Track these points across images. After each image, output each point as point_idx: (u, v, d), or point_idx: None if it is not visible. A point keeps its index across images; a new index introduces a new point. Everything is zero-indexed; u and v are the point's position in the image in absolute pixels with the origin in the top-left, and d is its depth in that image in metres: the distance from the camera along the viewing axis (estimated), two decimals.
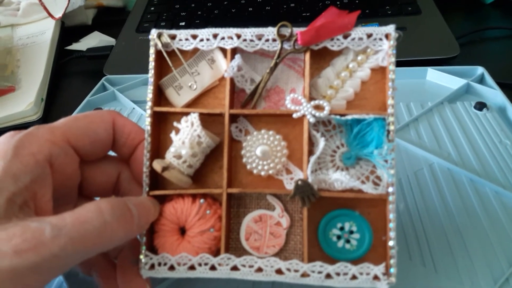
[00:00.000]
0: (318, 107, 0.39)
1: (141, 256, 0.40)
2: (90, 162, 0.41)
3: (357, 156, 0.40)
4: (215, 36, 0.41)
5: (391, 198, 0.38)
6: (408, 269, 0.45)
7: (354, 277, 0.37)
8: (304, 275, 0.38)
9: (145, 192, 0.41)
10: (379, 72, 0.41)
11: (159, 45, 0.42)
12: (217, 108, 0.42)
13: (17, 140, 0.34)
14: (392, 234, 0.37)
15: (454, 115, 0.65)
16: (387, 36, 0.39)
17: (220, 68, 0.43)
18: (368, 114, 0.39)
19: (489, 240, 0.47)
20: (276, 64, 0.41)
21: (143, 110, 0.72)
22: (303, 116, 0.40)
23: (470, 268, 0.44)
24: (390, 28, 0.39)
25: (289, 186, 0.41)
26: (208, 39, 0.42)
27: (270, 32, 0.41)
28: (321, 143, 0.39)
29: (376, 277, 0.37)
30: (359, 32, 0.40)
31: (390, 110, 0.38)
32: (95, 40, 1.04)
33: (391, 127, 0.38)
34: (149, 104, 0.41)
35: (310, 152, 0.40)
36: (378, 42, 0.40)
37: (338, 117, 0.39)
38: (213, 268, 0.39)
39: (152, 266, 0.40)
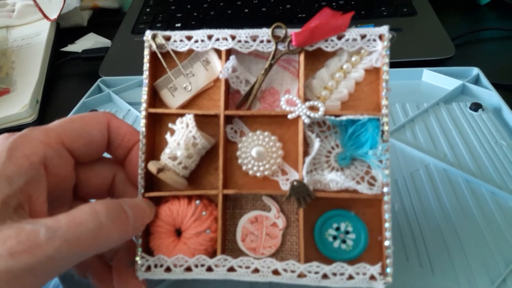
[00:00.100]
0: (312, 108, 0.39)
1: (137, 258, 0.40)
2: (85, 164, 0.41)
3: (352, 156, 0.40)
4: (209, 37, 0.41)
5: (386, 198, 0.38)
6: (405, 270, 0.45)
7: (350, 277, 0.38)
8: (300, 275, 0.38)
9: (141, 194, 0.41)
10: (373, 73, 0.41)
11: (154, 46, 0.42)
12: (212, 109, 0.42)
13: (11, 142, 0.34)
14: (387, 234, 0.38)
15: (450, 116, 0.65)
16: (380, 37, 0.39)
17: (215, 70, 0.43)
18: (362, 114, 0.39)
19: (486, 240, 0.47)
20: (270, 65, 0.41)
21: (139, 112, 0.71)
22: (298, 117, 0.40)
23: (467, 269, 0.44)
24: (384, 29, 0.39)
25: (285, 187, 0.41)
26: (202, 40, 0.42)
27: (264, 33, 0.41)
28: (316, 144, 0.39)
29: (372, 277, 0.38)
30: (353, 33, 0.40)
31: (384, 111, 0.39)
32: (90, 41, 1.04)
33: (385, 128, 0.38)
34: (144, 105, 0.41)
35: (305, 153, 0.40)
36: (372, 43, 0.40)
37: (332, 117, 0.39)
38: (209, 269, 0.39)
39: (148, 268, 0.39)
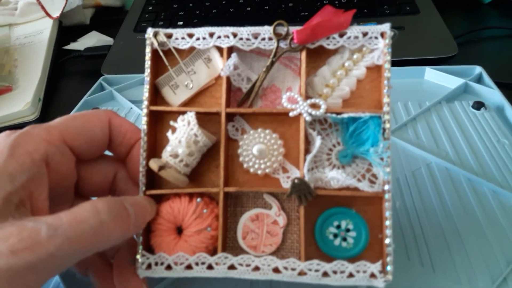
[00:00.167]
0: (314, 106, 0.39)
1: (138, 256, 0.40)
2: (87, 161, 0.41)
3: (353, 154, 0.40)
4: (211, 35, 0.41)
5: (387, 196, 0.38)
6: (406, 269, 0.45)
7: (351, 275, 0.38)
8: (301, 273, 0.38)
9: (142, 192, 0.41)
10: (375, 70, 0.41)
11: (155, 44, 0.42)
12: (214, 107, 0.42)
13: (13, 139, 0.34)
14: (388, 232, 0.37)
15: (452, 114, 0.65)
16: (382, 34, 0.39)
17: (216, 67, 0.43)
18: (364, 112, 0.39)
19: (487, 239, 0.47)
20: (272, 63, 0.41)
21: (141, 110, 0.72)
22: (300, 114, 0.40)
23: (468, 268, 0.44)
24: (386, 27, 0.39)
25: (286, 184, 0.41)
26: (204, 38, 0.42)
27: (266, 30, 0.41)
28: (317, 141, 0.39)
29: (373, 275, 0.37)
30: (355, 30, 0.40)
31: (385, 108, 0.38)
32: (93, 39, 1.04)
33: (387, 125, 0.38)
34: (145, 103, 0.41)
35: (307, 151, 0.40)
36: (374, 41, 0.40)
37: (334, 115, 0.39)
38: (210, 267, 0.39)
39: (149, 266, 0.39)
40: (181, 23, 0.97)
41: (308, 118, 0.39)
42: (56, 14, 1.01)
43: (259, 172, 0.41)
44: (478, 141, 0.60)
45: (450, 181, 0.54)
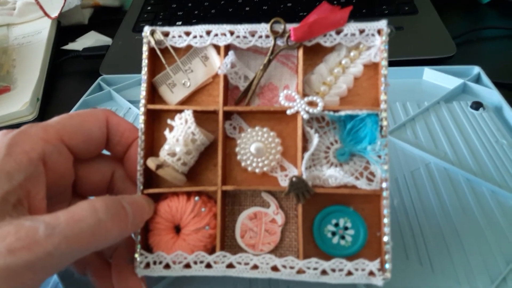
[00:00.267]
0: (311, 104, 0.39)
1: (136, 255, 0.40)
2: (84, 160, 0.41)
3: (351, 152, 0.40)
4: (208, 33, 0.41)
5: (385, 193, 0.38)
6: (405, 268, 0.44)
7: (349, 273, 0.38)
8: (299, 271, 0.38)
9: (140, 191, 0.41)
10: (372, 68, 0.41)
11: (152, 42, 0.42)
12: (211, 105, 0.42)
13: (10, 138, 0.34)
14: (386, 229, 0.37)
15: (451, 114, 0.65)
16: (379, 31, 0.39)
17: (213, 65, 0.42)
18: (361, 110, 0.39)
19: (486, 239, 0.47)
20: (269, 61, 0.41)
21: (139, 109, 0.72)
22: (297, 112, 0.40)
23: (467, 267, 0.44)
24: (382, 24, 0.39)
25: (284, 183, 0.41)
26: (201, 36, 0.42)
27: (263, 28, 0.40)
28: (315, 139, 0.39)
29: (371, 273, 0.38)
30: (352, 28, 0.39)
31: (383, 106, 0.38)
32: (91, 39, 1.04)
33: (384, 123, 0.38)
34: (143, 101, 0.41)
35: (304, 149, 0.40)
36: (371, 38, 0.40)
37: (331, 113, 0.39)
38: (208, 266, 0.39)
39: (147, 265, 0.40)
40: (179, 23, 0.97)
41: (305, 116, 0.39)
42: (54, 14, 1.01)
43: (257, 170, 0.41)
44: (476, 141, 0.60)
45: (449, 181, 0.54)
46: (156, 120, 0.43)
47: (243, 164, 0.41)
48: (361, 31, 0.40)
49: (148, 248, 0.41)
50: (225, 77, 0.42)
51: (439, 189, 0.53)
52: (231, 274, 0.38)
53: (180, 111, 0.40)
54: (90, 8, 1.15)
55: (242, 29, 0.41)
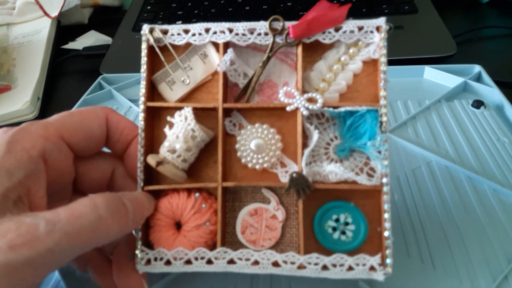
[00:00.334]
0: (311, 100, 0.40)
1: (137, 251, 0.40)
2: (84, 158, 0.41)
3: (351, 148, 0.40)
4: (207, 30, 0.42)
5: (385, 188, 0.38)
6: (406, 266, 0.44)
7: (350, 268, 0.38)
8: (300, 267, 0.38)
9: (140, 187, 0.41)
10: (371, 64, 0.41)
11: (151, 40, 0.42)
12: (211, 102, 0.42)
13: (10, 135, 0.34)
14: (387, 224, 0.38)
15: (452, 113, 0.65)
16: (378, 28, 0.39)
17: (212, 63, 0.43)
18: (361, 106, 0.39)
19: (488, 237, 0.47)
20: (268, 58, 0.41)
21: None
22: (297, 109, 0.40)
23: (468, 265, 0.44)
24: (381, 21, 0.39)
25: (284, 179, 0.41)
26: (200, 34, 0.42)
27: (262, 26, 0.41)
28: (315, 135, 0.39)
29: (372, 268, 0.38)
30: (350, 25, 0.40)
31: (382, 102, 0.39)
32: (91, 39, 1.04)
33: (384, 118, 0.38)
34: (142, 99, 0.42)
35: (304, 145, 0.40)
36: (369, 35, 0.40)
37: (331, 109, 0.39)
38: (209, 262, 0.39)
39: (148, 261, 0.40)
40: (179, 22, 0.97)
41: (305, 113, 0.39)
42: (54, 13, 1.01)
43: (257, 167, 0.41)
44: (478, 139, 0.60)
45: (450, 180, 0.54)
46: (156, 118, 0.43)
47: (243, 160, 0.41)
48: (360, 28, 0.40)
49: (149, 244, 0.41)
50: (225, 74, 0.42)
51: (441, 188, 0.53)
52: (232, 270, 0.39)
53: (180, 108, 0.41)
54: (90, 8, 1.16)
55: (241, 26, 0.41)
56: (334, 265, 0.38)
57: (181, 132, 0.39)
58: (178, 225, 0.41)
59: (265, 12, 0.96)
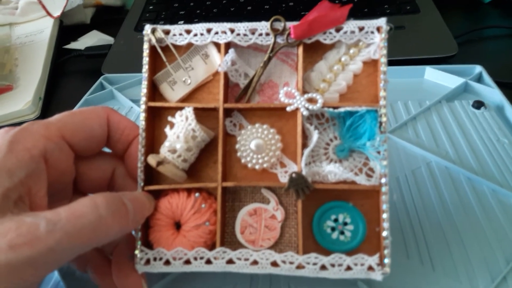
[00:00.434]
0: (311, 100, 0.40)
1: (137, 251, 0.40)
2: (85, 158, 0.41)
3: (350, 148, 0.40)
4: (208, 30, 0.42)
5: (384, 189, 0.38)
6: (405, 267, 0.44)
7: (348, 268, 0.38)
8: (299, 267, 0.38)
9: (140, 187, 0.41)
10: (371, 65, 0.41)
11: (153, 41, 0.42)
12: (212, 102, 0.42)
13: (11, 135, 0.34)
14: (385, 224, 0.38)
15: (452, 113, 0.65)
16: (378, 29, 0.40)
17: (214, 63, 0.43)
18: (360, 106, 0.39)
19: (487, 238, 0.47)
20: (269, 58, 0.41)
21: None
22: (297, 109, 0.40)
23: (467, 266, 0.44)
24: (381, 21, 0.39)
25: (284, 179, 0.41)
26: (202, 34, 0.42)
27: (263, 26, 0.41)
28: (315, 136, 0.39)
29: (370, 268, 0.38)
30: (351, 25, 0.40)
31: (382, 102, 0.39)
32: (93, 39, 1.04)
33: (383, 119, 0.38)
34: (144, 99, 0.42)
35: (304, 145, 0.40)
36: (370, 35, 0.40)
37: (331, 110, 0.39)
38: (208, 262, 0.39)
39: (148, 261, 0.40)
40: (181, 22, 0.97)
41: (305, 113, 0.39)
42: (56, 13, 1.02)
43: (257, 167, 0.41)
44: (478, 140, 0.59)
45: (450, 180, 0.54)
46: (157, 118, 0.43)
47: (243, 160, 0.41)
48: (361, 29, 0.40)
49: (148, 244, 0.41)
50: (226, 74, 0.42)
51: (440, 188, 0.53)
52: (231, 269, 0.39)
53: (181, 109, 0.41)
54: (92, 8, 1.16)
55: (242, 27, 0.41)
56: (333, 265, 0.38)
57: (181, 132, 0.39)
58: (178, 225, 0.41)
59: (267, 12, 0.97)
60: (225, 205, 0.42)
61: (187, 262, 0.39)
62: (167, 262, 0.39)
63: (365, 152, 0.39)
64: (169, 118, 0.41)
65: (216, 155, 0.41)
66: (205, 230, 0.39)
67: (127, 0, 1.20)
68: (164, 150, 0.40)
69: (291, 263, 0.38)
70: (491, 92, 0.67)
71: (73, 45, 1.02)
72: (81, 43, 1.02)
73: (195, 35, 0.42)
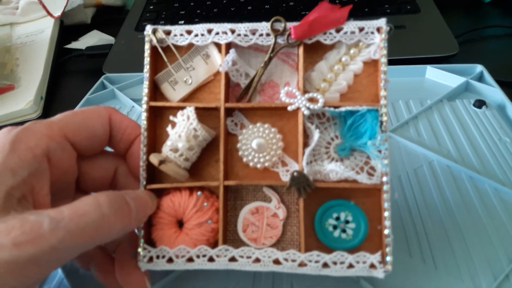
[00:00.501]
0: (312, 100, 0.40)
1: (139, 249, 0.40)
2: (87, 157, 0.42)
3: (351, 147, 0.40)
4: (209, 31, 0.42)
5: (385, 187, 0.38)
6: (408, 266, 0.45)
7: (350, 266, 0.38)
8: (301, 264, 0.38)
9: (143, 186, 0.41)
10: (372, 65, 0.41)
11: (154, 41, 0.42)
12: (213, 102, 0.42)
13: (14, 134, 0.35)
14: (387, 223, 0.38)
15: (454, 113, 0.65)
16: (378, 29, 0.40)
17: (215, 63, 0.43)
18: (361, 105, 0.39)
19: (489, 236, 0.47)
20: (270, 58, 0.41)
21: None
22: (298, 108, 0.40)
23: (470, 265, 0.44)
24: (381, 22, 0.39)
25: (285, 178, 0.41)
26: (202, 34, 0.42)
27: (264, 26, 0.41)
28: (316, 135, 0.40)
29: (372, 266, 0.38)
30: (351, 25, 0.40)
31: (382, 102, 0.39)
32: (94, 38, 1.04)
33: (384, 118, 0.39)
34: (145, 99, 0.42)
35: (305, 144, 0.40)
36: (370, 36, 0.40)
37: (332, 109, 0.40)
38: (211, 259, 0.39)
39: (151, 259, 0.40)
40: (182, 22, 0.97)
41: (306, 112, 0.40)
42: (57, 13, 1.02)
43: (259, 166, 0.41)
44: (479, 139, 0.60)
45: (452, 179, 0.54)
46: (158, 117, 0.44)
47: (244, 159, 0.41)
48: (361, 29, 0.40)
49: (151, 242, 0.41)
50: (227, 74, 0.42)
51: (442, 187, 0.53)
52: (234, 267, 0.39)
53: (182, 108, 0.41)
54: (93, 7, 1.16)
55: (243, 27, 0.41)
56: (335, 263, 0.38)
57: (183, 131, 0.39)
58: (180, 223, 0.41)
59: (267, 12, 0.97)
60: (227, 203, 0.42)
61: (190, 260, 0.39)
62: (170, 260, 0.40)
63: (366, 151, 0.40)
64: (171, 118, 0.41)
65: (217, 154, 0.41)
66: (207, 228, 0.40)
67: (128, 0, 1.20)
68: (166, 149, 0.40)
69: (293, 261, 0.39)
70: (493, 91, 0.67)
71: (74, 45, 1.02)
72: (82, 43, 1.02)
73: (196, 35, 0.42)
